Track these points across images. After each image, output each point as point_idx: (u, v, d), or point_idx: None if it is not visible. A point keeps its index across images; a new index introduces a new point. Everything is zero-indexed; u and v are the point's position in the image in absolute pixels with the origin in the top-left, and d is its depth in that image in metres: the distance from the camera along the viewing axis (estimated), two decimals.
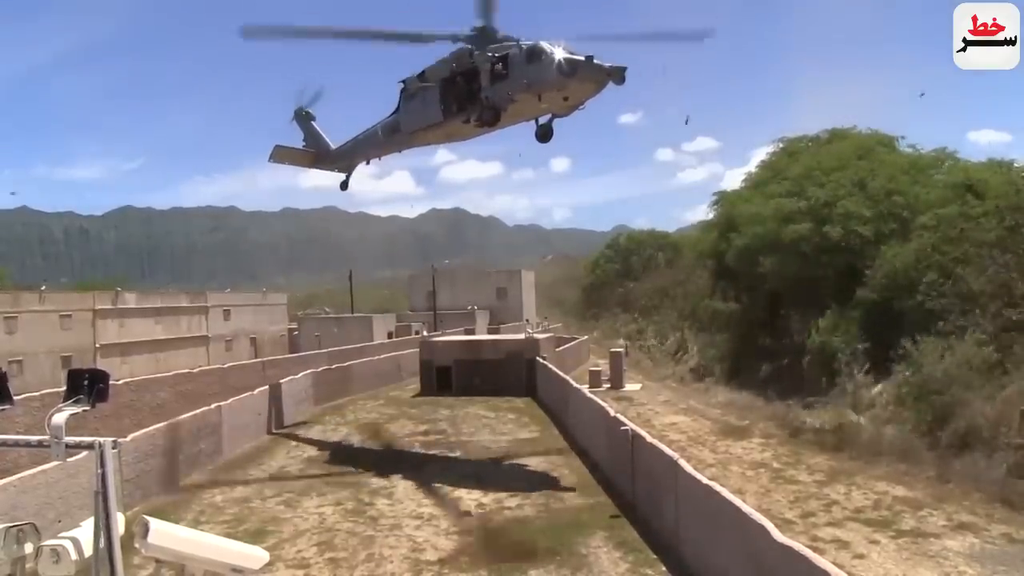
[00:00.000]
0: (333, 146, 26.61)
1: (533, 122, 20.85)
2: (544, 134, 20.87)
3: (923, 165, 31.53)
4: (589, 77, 18.29)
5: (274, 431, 26.83)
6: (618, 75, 18.05)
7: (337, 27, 21.55)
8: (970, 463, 17.82)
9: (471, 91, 20.43)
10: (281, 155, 26.69)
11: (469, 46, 20.18)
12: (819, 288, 29.08)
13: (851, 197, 29.62)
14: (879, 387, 23.45)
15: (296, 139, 27.25)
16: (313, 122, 27.06)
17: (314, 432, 27.12)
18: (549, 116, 20.55)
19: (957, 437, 18.79)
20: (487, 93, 19.84)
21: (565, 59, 18.26)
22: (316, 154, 26.91)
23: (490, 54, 19.69)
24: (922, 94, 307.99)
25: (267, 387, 27.54)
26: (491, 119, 20.14)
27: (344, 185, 27.32)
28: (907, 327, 23.84)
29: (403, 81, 22.69)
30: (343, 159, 26.56)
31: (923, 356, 21.51)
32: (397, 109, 23.28)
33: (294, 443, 25.19)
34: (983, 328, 21.43)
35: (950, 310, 22.69)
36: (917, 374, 21.20)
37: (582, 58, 18.11)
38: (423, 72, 21.81)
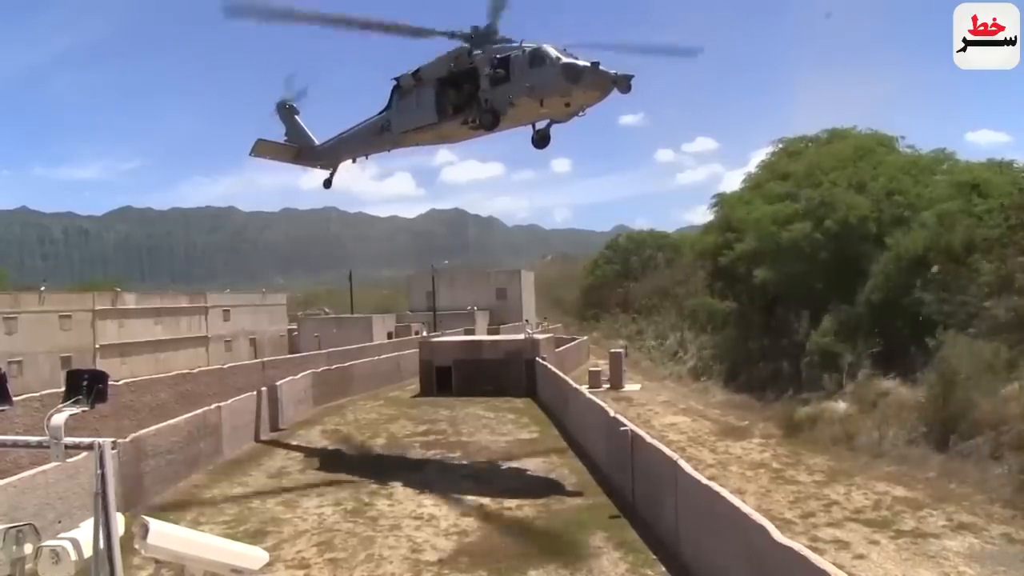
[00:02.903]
0: (317, 142, 25.75)
1: (530, 126, 20.25)
2: (542, 139, 20.30)
3: (923, 165, 31.54)
4: (594, 84, 17.65)
5: (273, 432, 26.81)
6: (624, 83, 17.38)
7: (330, 14, 19.96)
8: (973, 464, 17.77)
9: (469, 92, 19.85)
10: (262, 149, 25.71)
11: (467, 45, 19.73)
12: (818, 288, 29.04)
13: (848, 195, 29.55)
14: (895, 387, 23.10)
15: (279, 132, 26.41)
16: (297, 116, 26.14)
17: (314, 432, 27.10)
18: (547, 121, 19.95)
19: (965, 437, 18.69)
20: (487, 96, 19.24)
21: (570, 64, 17.69)
22: (299, 149, 25.98)
23: (491, 55, 19.14)
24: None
25: (266, 388, 27.47)
26: (490, 122, 19.53)
27: (328, 183, 26.36)
28: (908, 326, 23.86)
29: (396, 79, 21.94)
30: (327, 156, 25.69)
31: (949, 354, 20.95)
32: (388, 107, 22.48)
33: (294, 443, 25.17)
34: (989, 325, 21.37)
35: (954, 309, 22.68)
36: (944, 372, 20.55)
37: (587, 64, 17.51)
38: (418, 70, 21.09)
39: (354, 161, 25.57)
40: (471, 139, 21.93)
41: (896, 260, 25.95)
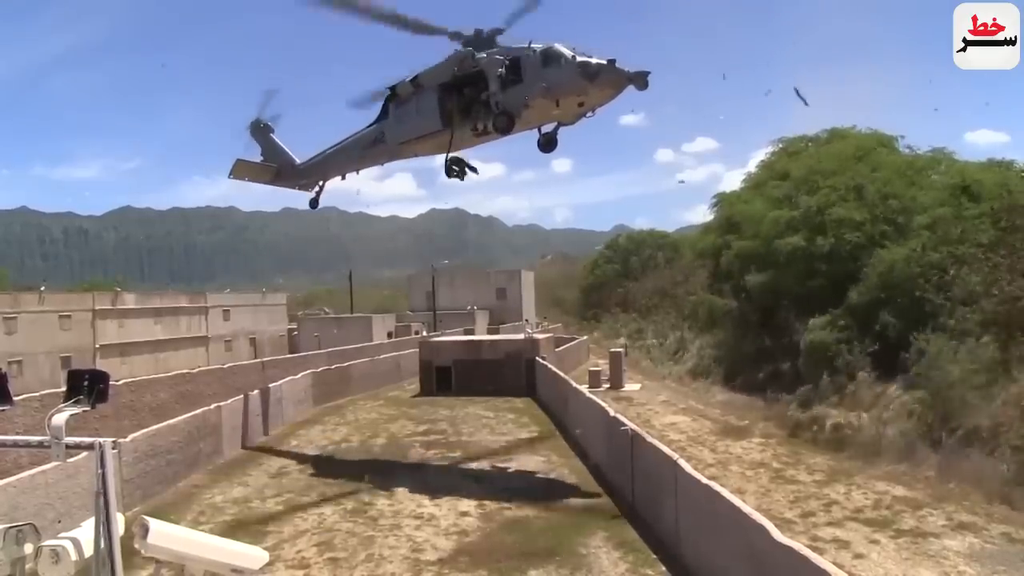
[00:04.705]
0: (298, 160, 24.75)
1: (535, 130, 19.68)
2: (548, 143, 19.75)
3: (920, 166, 31.43)
4: (610, 82, 17.32)
5: (266, 435, 26.78)
6: (641, 80, 17.11)
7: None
8: (972, 463, 17.79)
9: (473, 97, 19.22)
10: (241, 170, 24.77)
11: (470, 48, 19.18)
12: (815, 294, 28.96)
13: (844, 203, 29.41)
14: (893, 388, 23.13)
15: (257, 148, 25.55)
16: (272, 135, 25.24)
17: (314, 432, 27.10)
18: (554, 124, 19.47)
19: (960, 437, 18.71)
20: (498, 99, 18.54)
21: (586, 62, 17.32)
22: (278, 169, 24.99)
23: (499, 57, 18.55)
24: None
25: (259, 390, 27.26)
26: (504, 126, 18.81)
27: (314, 203, 25.21)
28: (900, 328, 23.86)
29: (391, 87, 20.96)
30: (312, 174, 24.58)
31: (936, 356, 20.94)
32: (381, 117, 21.55)
33: (293, 443, 25.18)
34: (977, 327, 21.37)
35: (944, 310, 22.68)
36: (934, 374, 20.58)
37: (603, 62, 17.21)
38: (416, 76, 20.22)
39: (343, 178, 24.50)
40: (474, 146, 21.07)
41: (883, 266, 25.92)
